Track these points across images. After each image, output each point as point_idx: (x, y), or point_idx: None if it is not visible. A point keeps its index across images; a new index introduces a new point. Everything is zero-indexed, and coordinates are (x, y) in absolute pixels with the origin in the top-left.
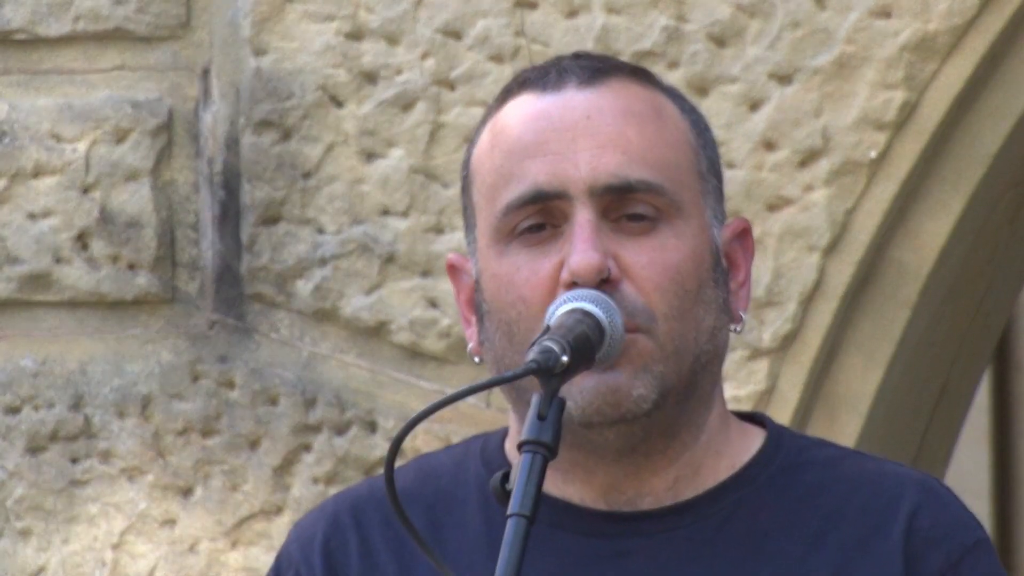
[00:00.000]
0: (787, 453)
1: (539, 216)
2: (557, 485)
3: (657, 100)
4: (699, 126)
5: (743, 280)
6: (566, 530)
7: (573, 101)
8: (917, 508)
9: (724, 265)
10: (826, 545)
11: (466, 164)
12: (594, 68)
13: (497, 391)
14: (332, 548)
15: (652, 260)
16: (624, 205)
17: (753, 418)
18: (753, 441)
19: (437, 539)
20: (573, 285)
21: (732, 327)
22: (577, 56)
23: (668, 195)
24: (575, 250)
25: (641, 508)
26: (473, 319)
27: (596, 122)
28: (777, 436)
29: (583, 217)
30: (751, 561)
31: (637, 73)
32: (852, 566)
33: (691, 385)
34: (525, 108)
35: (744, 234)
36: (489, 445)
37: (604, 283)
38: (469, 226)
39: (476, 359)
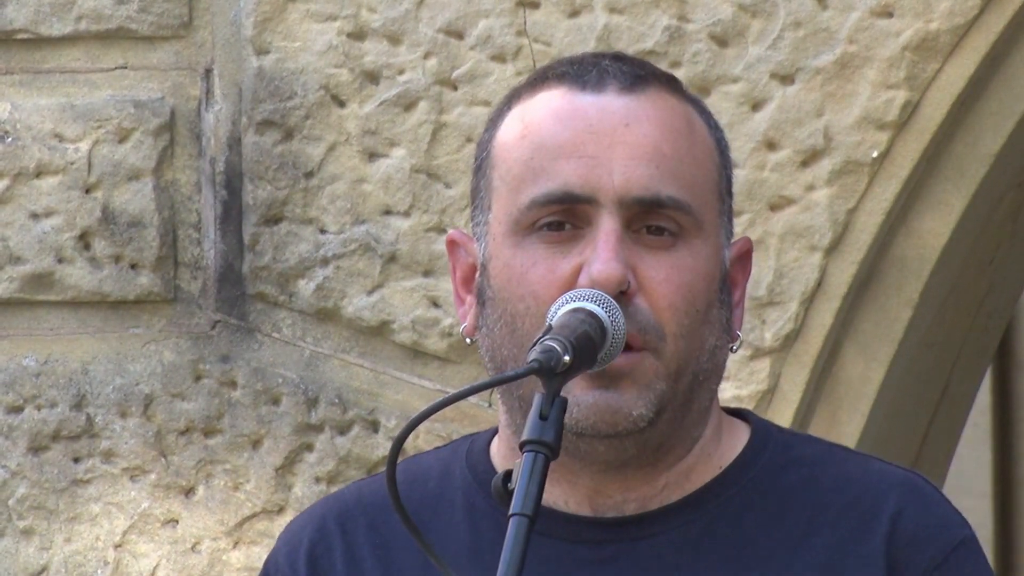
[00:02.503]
0: (772, 452)
1: (562, 215)
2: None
3: (689, 114)
4: (722, 144)
5: (739, 300)
6: (550, 536)
7: (613, 106)
8: (901, 509)
9: (729, 285)
10: (811, 546)
11: (485, 145)
12: (635, 74)
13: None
14: (317, 554)
15: (668, 277)
16: (649, 218)
17: (739, 413)
18: (738, 439)
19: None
20: None
21: (730, 346)
22: (617, 57)
23: (693, 213)
24: (598, 258)
25: (626, 513)
26: (468, 298)
27: (634, 131)
28: (762, 434)
29: (609, 226)
30: (736, 565)
31: (671, 83)
32: (836, 567)
33: (688, 402)
34: (561, 103)
35: (746, 255)
36: (475, 447)
37: (621, 295)
38: (480, 207)
39: (468, 340)
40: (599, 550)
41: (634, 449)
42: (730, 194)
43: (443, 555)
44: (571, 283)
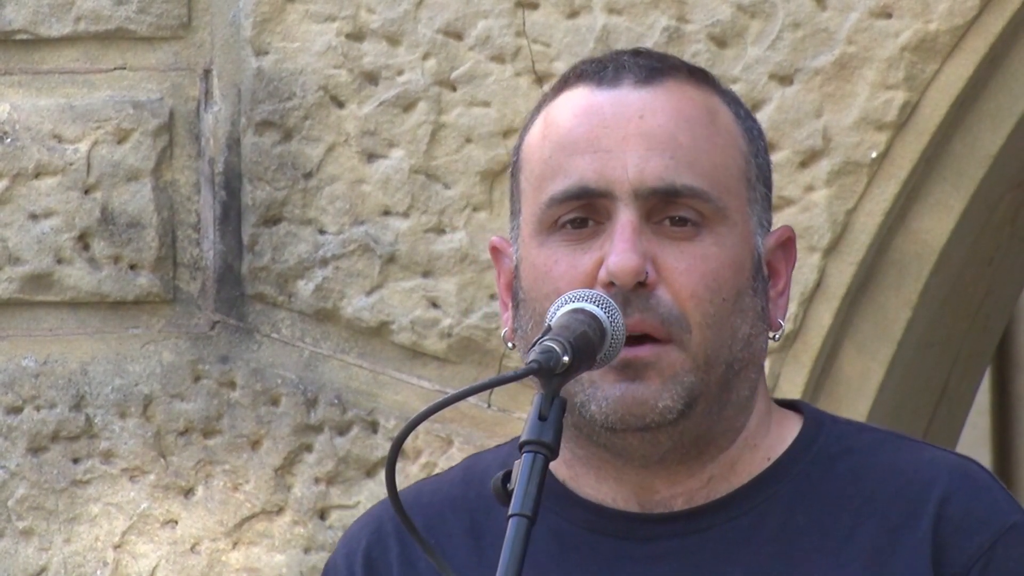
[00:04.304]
0: (824, 443)
1: (582, 211)
2: (591, 485)
3: (712, 104)
4: (752, 132)
5: (783, 288)
6: (600, 533)
7: (628, 99)
8: (948, 495)
9: (765, 273)
10: (860, 537)
11: (517, 150)
12: (652, 67)
13: (499, 389)
14: (374, 557)
15: (691, 267)
16: (668, 208)
17: (793, 405)
18: (789, 430)
19: (477, 547)
20: (611, 285)
21: (771, 334)
22: (637, 52)
23: (713, 201)
24: (614, 251)
25: (674, 508)
26: (510, 304)
27: (648, 123)
28: (815, 424)
29: (625, 218)
30: (785, 559)
31: (695, 74)
32: (885, 556)
33: (724, 393)
34: (579, 101)
35: (788, 243)
36: None
37: (640, 286)
38: (514, 211)
39: (509, 344)
40: (649, 546)
41: (669, 443)
42: (765, 183)
43: (494, 557)
44: (592, 277)
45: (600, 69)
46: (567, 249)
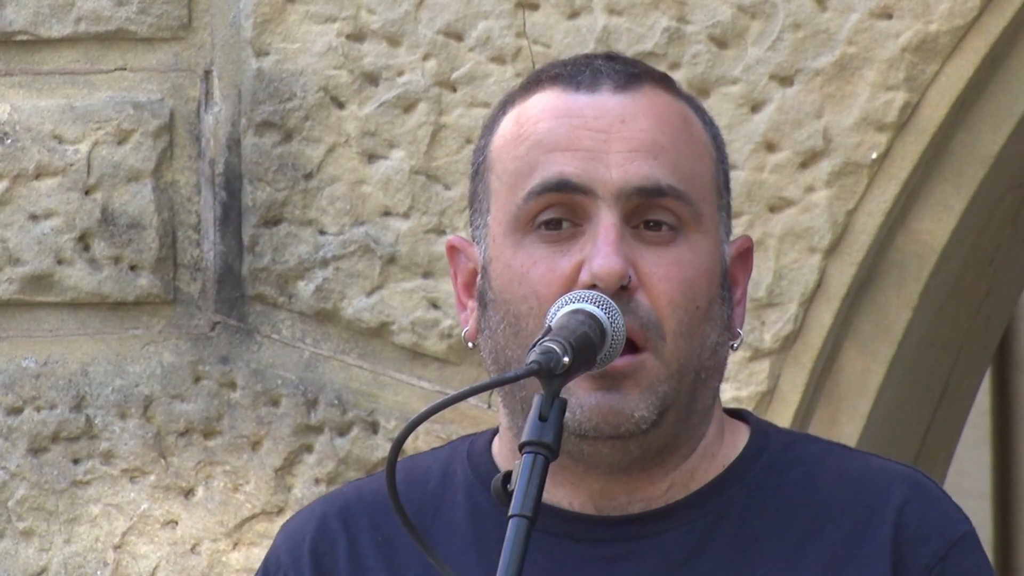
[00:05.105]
0: (773, 451)
1: (560, 210)
2: (548, 488)
3: (685, 111)
4: (718, 140)
5: (740, 298)
6: (554, 535)
7: (608, 103)
8: (904, 503)
9: (729, 282)
10: (815, 545)
11: (482, 150)
12: (629, 73)
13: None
14: (321, 552)
15: (668, 273)
16: (647, 211)
17: (737, 414)
18: (740, 439)
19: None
20: (592, 287)
21: (731, 343)
22: (610, 57)
23: (693, 204)
24: (599, 253)
25: (631, 512)
26: (470, 303)
27: (630, 126)
28: (762, 433)
29: (608, 220)
30: (740, 564)
31: (665, 81)
32: (841, 564)
33: (691, 401)
34: (557, 103)
35: (747, 253)
36: (476, 447)
37: (622, 290)
38: (479, 210)
39: (469, 344)
40: (604, 548)
41: (638, 451)
42: (728, 190)
43: (446, 555)
44: (572, 280)
45: (576, 72)
46: (545, 251)
